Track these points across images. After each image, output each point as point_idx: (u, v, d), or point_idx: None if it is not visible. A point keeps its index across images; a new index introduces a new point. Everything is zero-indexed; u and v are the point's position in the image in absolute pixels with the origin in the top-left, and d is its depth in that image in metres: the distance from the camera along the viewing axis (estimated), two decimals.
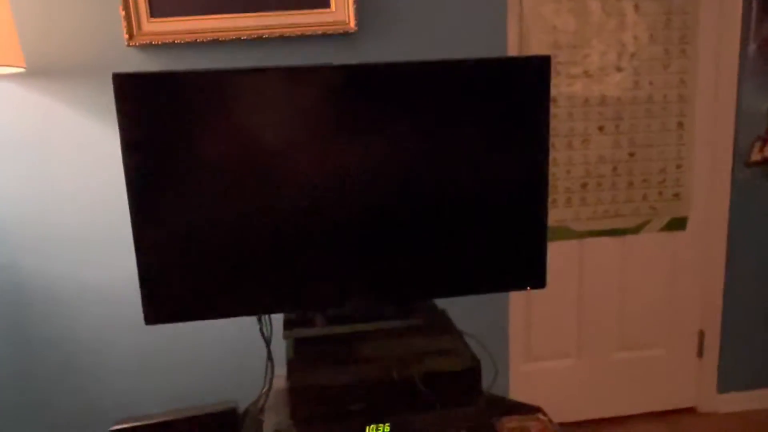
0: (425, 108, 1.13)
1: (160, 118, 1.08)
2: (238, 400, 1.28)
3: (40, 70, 1.55)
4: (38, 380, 1.69)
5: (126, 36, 1.52)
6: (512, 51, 1.95)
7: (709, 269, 2.23)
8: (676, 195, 2.16)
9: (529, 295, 2.18)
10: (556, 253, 2.16)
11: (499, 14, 1.66)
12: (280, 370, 1.28)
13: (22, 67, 1.37)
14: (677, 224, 2.19)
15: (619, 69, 2.05)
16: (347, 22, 1.56)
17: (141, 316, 1.68)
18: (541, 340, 2.23)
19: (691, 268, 2.25)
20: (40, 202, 1.61)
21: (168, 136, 1.09)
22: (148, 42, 1.53)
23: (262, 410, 1.29)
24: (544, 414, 1.24)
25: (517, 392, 2.24)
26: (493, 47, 1.67)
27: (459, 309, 1.55)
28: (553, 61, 2.00)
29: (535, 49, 1.99)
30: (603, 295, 2.23)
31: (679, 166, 2.15)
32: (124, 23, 1.51)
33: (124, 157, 1.08)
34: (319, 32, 1.56)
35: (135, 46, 1.54)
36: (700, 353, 2.31)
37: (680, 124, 2.12)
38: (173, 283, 1.14)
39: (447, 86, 1.13)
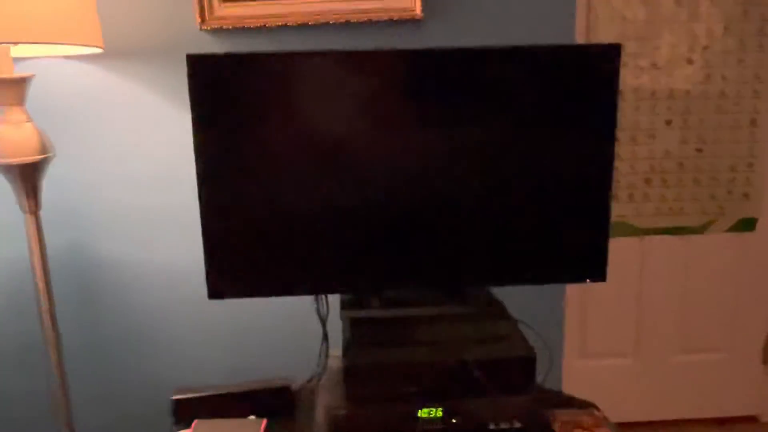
0: (490, 94, 1.13)
1: (231, 99, 1.11)
2: (292, 377, 1.31)
3: (117, 52, 1.61)
4: (106, 350, 1.77)
5: (198, 20, 1.56)
6: (580, 41, 1.92)
7: None
8: (746, 195, 2.08)
9: (587, 290, 2.14)
10: (617, 249, 2.11)
11: (567, 3, 1.63)
12: (335, 350, 1.30)
13: (100, 47, 1.43)
14: (746, 225, 2.11)
15: (689, 62, 1.98)
16: (413, 8, 1.57)
17: (204, 293, 1.74)
18: (598, 336, 2.19)
19: (760, 271, 2.16)
20: (111, 182, 1.67)
21: (237, 116, 1.12)
22: (219, 26, 1.57)
23: (315, 389, 1.32)
24: (598, 410, 1.22)
25: (570, 388, 2.21)
26: (560, 37, 1.64)
27: (514, 299, 1.54)
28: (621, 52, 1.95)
29: (603, 39, 1.94)
30: (664, 295, 2.17)
31: (750, 165, 2.06)
32: (197, 7, 1.55)
33: (195, 137, 1.12)
34: (385, 18, 1.57)
35: (206, 29, 1.58)
36: (765, 360, 2.23)
37: (753, 121, 2.03)
38: (236, 261, 1.18)
39: (512, 73, 1.12)
